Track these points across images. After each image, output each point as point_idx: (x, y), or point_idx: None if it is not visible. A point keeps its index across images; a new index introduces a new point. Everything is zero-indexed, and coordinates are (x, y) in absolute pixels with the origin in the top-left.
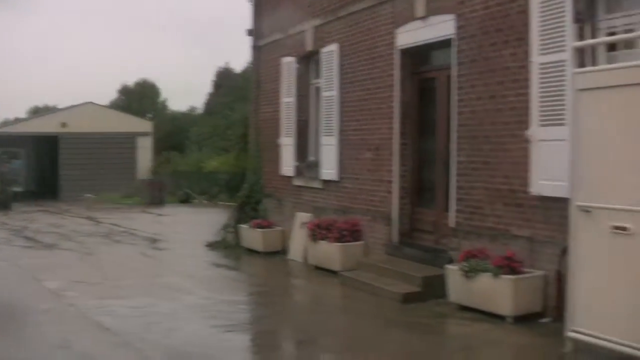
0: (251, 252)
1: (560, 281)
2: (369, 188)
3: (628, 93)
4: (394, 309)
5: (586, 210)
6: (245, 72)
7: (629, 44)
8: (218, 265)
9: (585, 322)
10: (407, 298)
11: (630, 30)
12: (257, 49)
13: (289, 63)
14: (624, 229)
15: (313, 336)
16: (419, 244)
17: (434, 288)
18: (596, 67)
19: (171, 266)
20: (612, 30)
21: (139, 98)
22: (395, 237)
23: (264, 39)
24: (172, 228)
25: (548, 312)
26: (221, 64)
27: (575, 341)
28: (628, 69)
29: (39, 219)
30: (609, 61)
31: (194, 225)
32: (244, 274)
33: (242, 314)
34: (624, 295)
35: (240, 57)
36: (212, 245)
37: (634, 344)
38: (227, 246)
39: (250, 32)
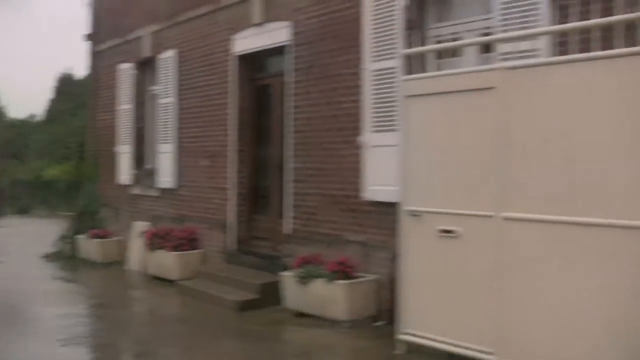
0: (89, 263)
1: (393, 285)
2: (206, 196)
3: (452, 99)
4: (231, 317)
5: (415, 214)
6: (86, 78)
7: (455, 52)
8: (55, 278)
9: (415, 324)
10: (245, 306)
11: (457, 39)
12: (95, 54)
13: (126, 69)
14: (450, 232)
15: (151, 347)
16: (257, 252)
17: (271, 295)
18: (423, 74)
19: (6, 280)
20: (441, 38)
21: None
22: (233, 244)
23: (102, 45)
24: (8, 240)
25: (382, 315)
26: (62, 69)
27: (407, 343)
28: (452, 76)
29: None
30: (438, 68)
31: (31, 237)
32: (81, 286)
33: (79, 327)
34: (450, 297)
35: (82, 63)
36: (49, 257)
37: (459, 343)
38: (65, 257)
39: (89, 37)
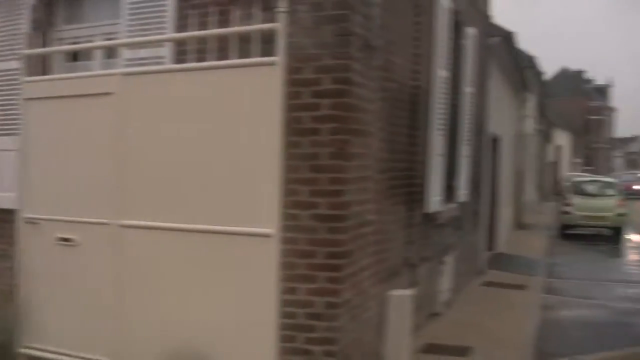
0: None
1: (14, 296)
2: None
3: (71, 104)
4: None
5: (33, 222)
6: None
7: (82, 55)
8: None
9: (36, 337)
10: None
11: (85, 42)
12: None
13: None
14: (68, 240)
15: None
16: None
17: None
18: (43, 77)
19: None
20: (70, 40)
21: None
22: None
23: None
24: None
25: None
26: None
27: (28, 357)
28: (71, 80)
29: None
30: (69, 71)
31: None
32: None
33: None
34: (70, 307)
35: None
36: None
37: (79, 354)
38: None
39: None
